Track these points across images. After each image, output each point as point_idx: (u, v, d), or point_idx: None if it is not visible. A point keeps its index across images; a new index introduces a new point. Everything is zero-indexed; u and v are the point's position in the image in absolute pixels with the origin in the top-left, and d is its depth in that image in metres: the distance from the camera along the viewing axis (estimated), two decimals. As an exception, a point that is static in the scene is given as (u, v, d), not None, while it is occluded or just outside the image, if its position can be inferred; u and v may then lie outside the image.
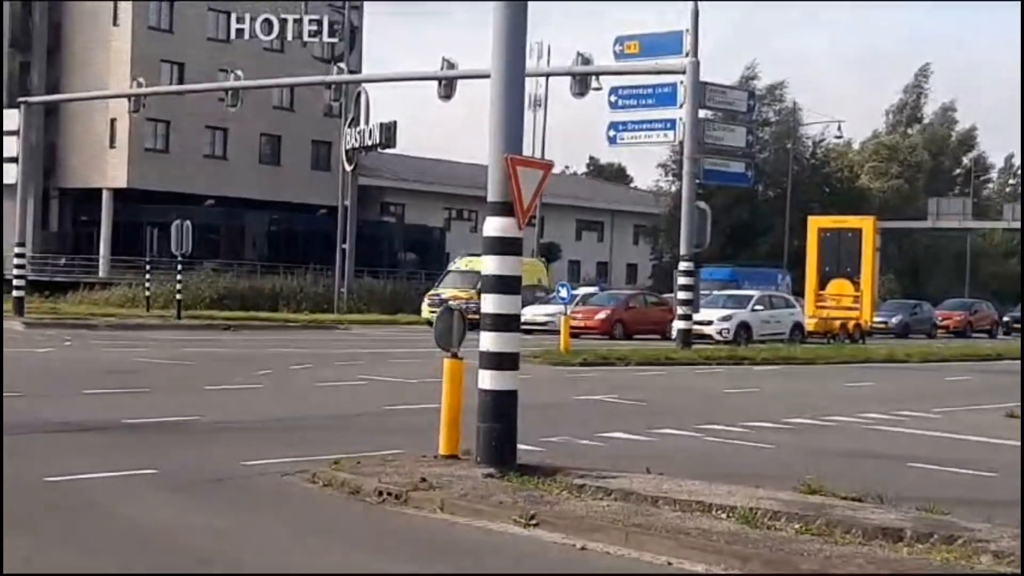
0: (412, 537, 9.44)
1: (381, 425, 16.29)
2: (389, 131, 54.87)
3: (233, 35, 57.43)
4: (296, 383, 22.28)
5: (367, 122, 55.80)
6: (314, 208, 66.28)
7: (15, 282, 40.76)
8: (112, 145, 61.52)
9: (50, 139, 61.94)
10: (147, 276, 48.35)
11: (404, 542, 9.29)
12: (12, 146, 44.00)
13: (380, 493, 10.60)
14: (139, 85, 45.03)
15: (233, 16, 57.77)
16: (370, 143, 55.61)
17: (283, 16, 55.01)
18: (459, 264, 49.17)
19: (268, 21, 55.12)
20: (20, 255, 41.89)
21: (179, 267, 44.77)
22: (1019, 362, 29.74)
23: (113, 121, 60.17)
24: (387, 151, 59.10)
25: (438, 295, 45.35)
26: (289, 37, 55.97)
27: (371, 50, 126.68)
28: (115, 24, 61.36)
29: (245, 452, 12.95)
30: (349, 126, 56.26)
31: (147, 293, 47.69)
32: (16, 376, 21.09)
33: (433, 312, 38.02)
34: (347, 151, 56.54)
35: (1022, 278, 63.69)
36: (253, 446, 13.57)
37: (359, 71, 58.70)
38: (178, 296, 44.57)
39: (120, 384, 20.51)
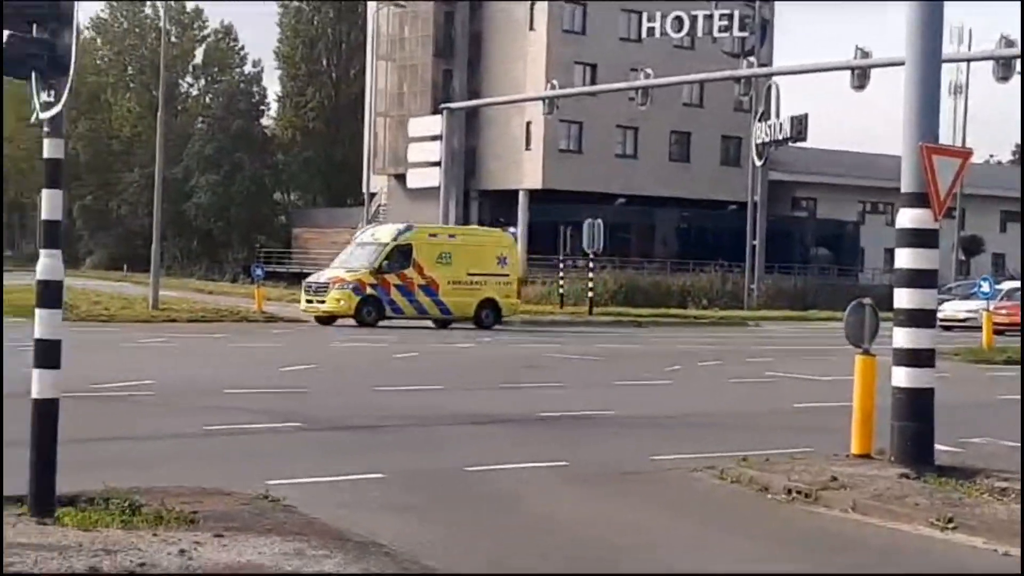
0: (822, 536, 9.24)
1: (790, 423, 16.04)
2: (800, 124, 53.98)
3: (644, 34, 58.06)
4: (705, 379, 22.28)
5: (777, 116, 55.10)
6: (723, 204, 66.08)
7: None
8: (528, 147, 63.45)
9: (471, 143, 64.59)
10: (560, 274, 49.59)
11: (814, 541, 9.10)
12: (436, 151, 46.14)
13: (789, 491, 10.42)
14: (553, 87, 46.20)
15: (644, 15, 58.39)
16: (781, 137, 54.88)
17: (693, 13, 55.14)
18: (360, 235, 38.98)
19: (679, 19, 55.41)
20: (443, 254, 43.65)
21: (591, 265, 45.69)
22: None
23: (528, 124, 62.07)
24: (798, 144, 58.17)
25: (315, 281, 35.99)
26: (699, 34, 56.05)
27: (781, 42, 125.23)
28: (531, 29, 63.27)
29: (654, 447, 13.04)
30: (759, 120, 55.74)
31: (561, 290, 48.92)
32: (437, 370, 22.16)
33: (310, 303, 35.33)
34: (757, 146, 56.05)
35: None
36: (662, 441, 13.65)
37: (769, 64, 58.04)
38: (590, 293, 45.50)
39: (535, 379, 21.12)
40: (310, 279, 37.07)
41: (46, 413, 8.17)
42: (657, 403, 18.03)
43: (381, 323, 34.84)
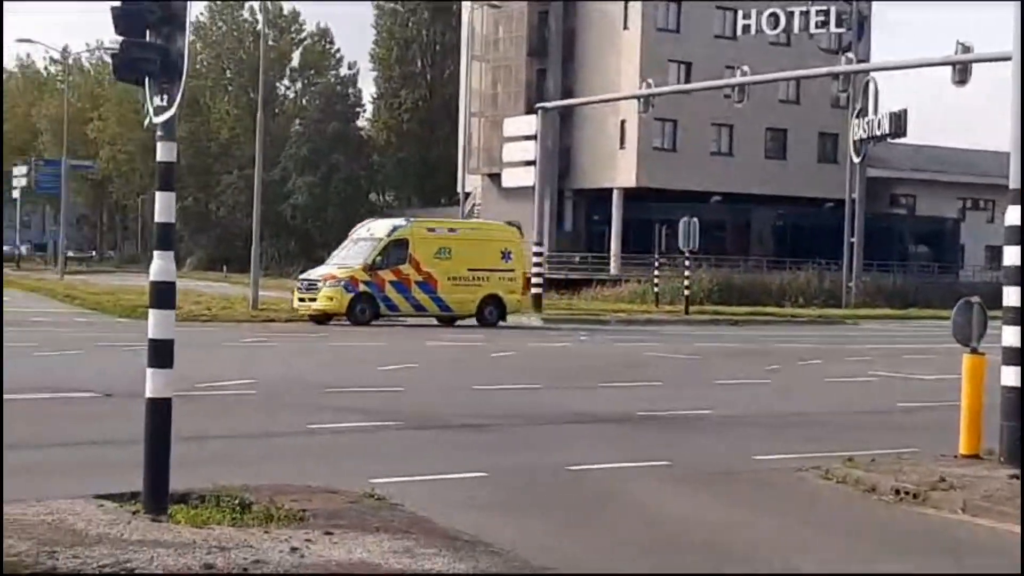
0: (932, 538, 9.13)
1: (895, 422, 15.85)
2: (899, 120, 53.31)
3: (739, 31, 57.64)
4: (804, 379, 22.08)
5: (875, 112, 54.47)
6: (821, 202, 65.37)
7: (533, 280, 42.66)
8: (622, 146, 63.26)
9: (565, 142, 64.55)
10: (656, 272, 49.43)
11: (923, 543, 8.99)
12: (531, 150, 46.18)
13: (897, 492, 10.31)
14: (648, 86, 46.01)
15: (740, 12, 58.00)
16: (879, 133, 54.26)
17: (790, 9, 54.65)
18: (359, 231, 37.51)
19: (774, 15, 54.97)
20: (538, 254, 43.86)
21: (686, 263, 45.48)
22: None
23: (623, 122, 61.89)
24: (897, 141, 57.44)
25: (307, 278, 34.94)
26: (796, 30, 55.55)
27: (879, 37, 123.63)
28: (625, 28, 63.10)
29: (756, 446, 12.97)
30: (857, 117, 55.13)
31: (656, 289, 48.74)
32: (535, 369, 22.20)
33: (302, 301, 34.16)
34: (855, 142, 55.43)
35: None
36: (763, 441, 13.56)
37: (867, 60, 57.33)
38: (685, 292, 45.28)
39: (633, 377, 21.07)
40: (303, 276, 36.01)
41: (160, 412, 8.32)
42: (757, 402, 17.91)
43: (393, 322, 34.19)
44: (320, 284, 33.80)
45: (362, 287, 33.69)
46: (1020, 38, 11.21)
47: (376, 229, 36.29)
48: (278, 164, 79.91)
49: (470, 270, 35.18)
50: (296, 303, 34.75)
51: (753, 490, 10.86)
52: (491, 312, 35.53)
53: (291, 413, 14.95)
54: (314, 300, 33.75)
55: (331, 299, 33.50)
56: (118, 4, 8.03)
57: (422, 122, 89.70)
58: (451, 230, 36.86)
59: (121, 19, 8.05)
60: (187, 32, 8.02)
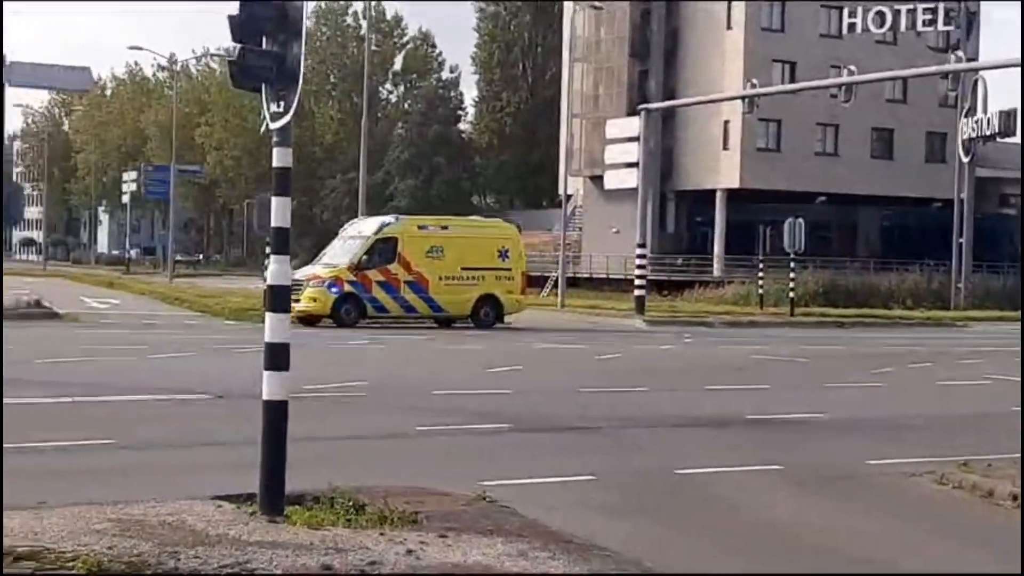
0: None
1: (1010, 426, 15.50)
2: (1009, 119, 52.27)
3: (845, 30, 56.99)
4: (916, 382, 21.75)
5: (985, 111, 53.48)
6: (928, 202, 64.38)
7: (636, 281, 42.54)
8: (725, 147, 62.83)
9: (668, 143, 64.28)
10: (760, 274, 49.01)
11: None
12: (633, 152, 46.03)
13: (1015, 497, 10.11)
14: (752, 86, 45.64)
15: (845, 11, 57.36)
16: (988, 132, 53.23)
17: (896, 7, 53.91)
18: (348, 229, 35.91)
19: (881, 13, 54.26)
20: (641, 256, 43.69)
21: (791, 265, 45.03)
22: None
23: (726, 123, 61.48)
24: (1007, 140, 56.35)
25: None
26: (903, 28, 54.77)
27: (987, 36, 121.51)
28: (729, 27, 62.70)
29: (869, 451, 12.82)
30: (965, 116, 54.18)
31: (760, 291, 48.33)
32: (639, 372, 22.12)
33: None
34: (963, 142, 54.47)
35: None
36: (876, 445, 13.40)
37: (976, 58, 56.34)
38: (791, 294, 44.84)
39: (739, 380, 20.91)
40: None
41: (276, 414, 8.42)
42: (868, 406, 17.69)
43: (411, 325, 33.29)
44: (304, 284, 32.15)
45: (347, 287, 32.39)
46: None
47: (365, 227, 34.74)
48: (381, 168, 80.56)
49: (464, 269, 33.76)
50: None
51: (867, 495, 10.72)
52: (487, 313, 34.15)
53: (400, 414, 15.05)
54: (297, 301, 31.51)
55: (314, 300, 32.17)
56: (235, 12, 8.15)
57: (524, 124, 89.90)
58: (444, 228, 34.98)
59: (239, 26, 8.17)
60: (303, 39, 8.11)
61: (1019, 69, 33.86)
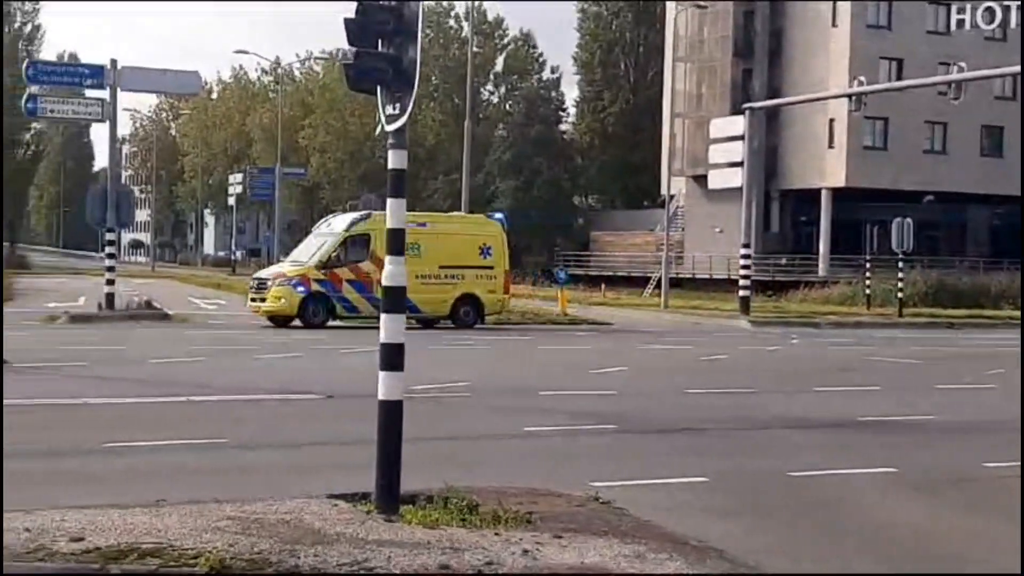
0: None
1: None
2: (1124, 115, 51.09)
3: (953, 26, 56.04)
4: (1031, 384, 21.29)
5: (1098, 106, 52.32)
6: (1040, 201, 63.22)
7: (741, 282, 42.23)
8: (831, 145, 62.15)
9: (772, 142, 63.73)
10: (867, 274, 48.39)
11: None
12: (738, 151, 45.67)
13: None
14: (859, 84, 45.07)
15: (953, 7, 56.37)
16: (1102, 128, 52.11)
17: (1006, 3, 52.88)
18: (320, 226, 34.72)
19: (990, 9, 53.22)
20: (746, 256, 43.36)
21: (899, 264, 44.41)
22: None
23: (831, 121, 60.82)
24: (1122, 137, 55.11)
25: (259, 277, 33.17)
26: (1012, 24, 53.67)
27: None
28: (834, 25, 62.03)
29: (985, 453, 12.60)
30: (1078, 112, 53.05)
31: (867, 291, 47.72)
32: (746, 372, 21.96)
33: (253, 301, 31.98)
34: (1076, 139, 53.36)
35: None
36: (993, 447, 13.15)
37: (1089, 53, 55.03)
38: (899, 294, 44.23)
39: (848, 381, 20.66)
40: (255, 275, 33.76)
41: (391, 414, 8.48)
42: (982, 407, 17.40)
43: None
44: (269, 283, 31.61)
45: (315, 286, 31.28)
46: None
47: (336, 224, 33.48)
48: (482, 169, 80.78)
49: (442, 268, 32.53)
50: (248, 303, 32.73)
51: (986, 498, 10.54)
52: (467, 313, 33.10)
53: (507, 415, 15.09)
54: (263, 301, 31.43)
55: (280, 299, 31.24)
56: (352, 15, 8.22)
57: (625, 124, 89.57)
58: (421, 224, 32.49)
59: (355, 30, 8.24)
60: (419, 42, 8.16)
61: None
